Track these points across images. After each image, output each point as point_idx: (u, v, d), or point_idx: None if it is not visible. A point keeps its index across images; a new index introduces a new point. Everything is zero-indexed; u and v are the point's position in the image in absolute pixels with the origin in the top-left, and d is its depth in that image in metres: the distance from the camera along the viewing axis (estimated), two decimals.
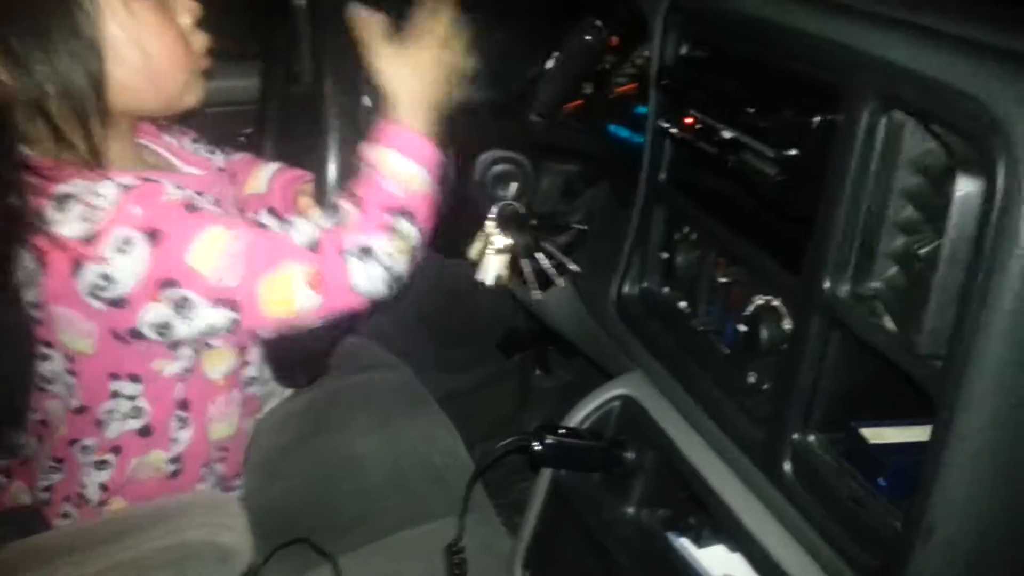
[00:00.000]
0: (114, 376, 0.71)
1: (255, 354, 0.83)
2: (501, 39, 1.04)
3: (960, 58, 0.44)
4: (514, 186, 0.92)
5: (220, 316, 0.64)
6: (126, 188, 0.64)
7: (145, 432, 0.74)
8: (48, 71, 0.62)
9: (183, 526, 0.65)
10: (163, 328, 0.65)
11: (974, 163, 0.43)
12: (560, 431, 0.71)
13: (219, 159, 0.88)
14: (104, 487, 0.75)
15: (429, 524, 0.83)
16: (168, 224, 0.63)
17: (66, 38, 0.62)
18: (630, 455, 0.72)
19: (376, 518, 0.86)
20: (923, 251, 0.47)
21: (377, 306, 0.95)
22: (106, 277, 0.62)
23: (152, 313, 0.64)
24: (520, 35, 1.03)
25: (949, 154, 0.45)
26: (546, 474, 0.78)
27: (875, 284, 0.50)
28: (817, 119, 0.52)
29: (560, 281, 0.88)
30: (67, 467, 0.76)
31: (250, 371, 0.84)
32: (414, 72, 0.70)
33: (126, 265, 0.62)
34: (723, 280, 0.66)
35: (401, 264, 0.66)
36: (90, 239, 0.62)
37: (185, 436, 0.76)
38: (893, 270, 0.50)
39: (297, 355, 0.84)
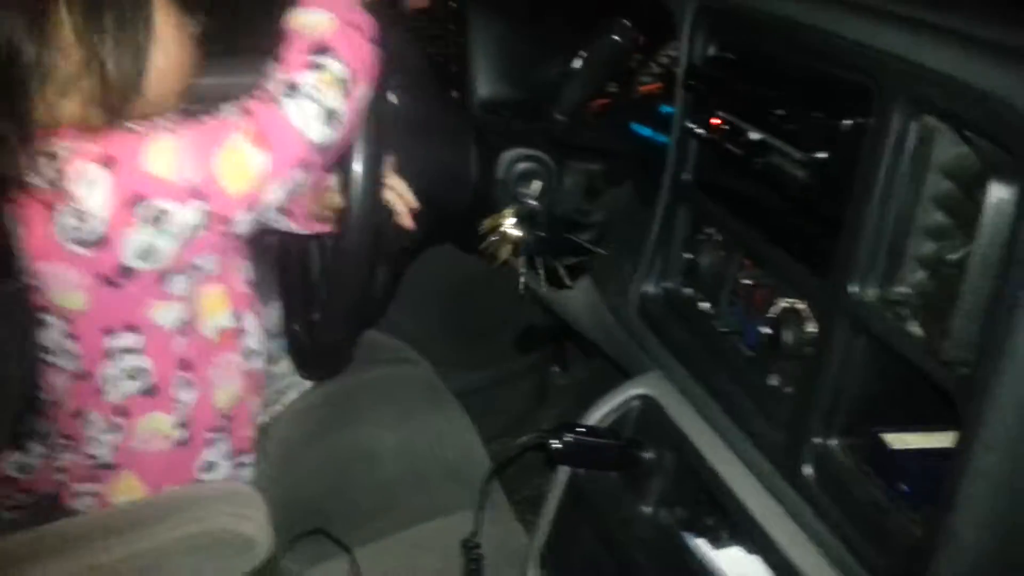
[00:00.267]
0: (111, 332, 0.71)
1: (253, 322, 0.84)
2: (527, 38, 1.05)
3: (992, 62, 0.44)
4: (537, 184, 0.92)
5: (192, 212, 0.65)
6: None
7: (149, 392, 0.75)
8: (103, 48, 0.65)
9: (204, 515, 0.66)
10: (147, 252, 0.66)
11: (1006, 169, 0.42)
12: (579, 429, 0.71)
13: None
14: (115, 456, 0.76)
15: (445, 518, 0.84)
16: (117, 148, 0.65)
17: (124, 21, 0.65)
18: (648, 455, 0.72)
19: (393, 511, 0.87)
20: (953, 257, 0.47)
21: (395, 300, 0.96)
22: (79, 215, 0.64)
23: (133, 240, 0.65)
24: (546, 34, 1.04)
25: (981, 159, 0.45)
26: (563, 472, 0.78)
27: (902, 289, 0.50)
28: (847, 122, 0.52)
29: (569, 282, 0.89)
30: (76, 443, 0.76)
31: (249, 341, 0.83)
32: None
33: (93, 196, 0.63)
34: (746, 282, 0.66)
35: (331, 97, 0.66)
36: (55, 182, 0.64)
37: (188, 398, 0.77)
38: (921, 275, 0.49)
39: (319, 348, 0.85)
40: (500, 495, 0.90)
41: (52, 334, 0.72)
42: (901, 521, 0.49)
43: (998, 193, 0.43)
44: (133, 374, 0.73)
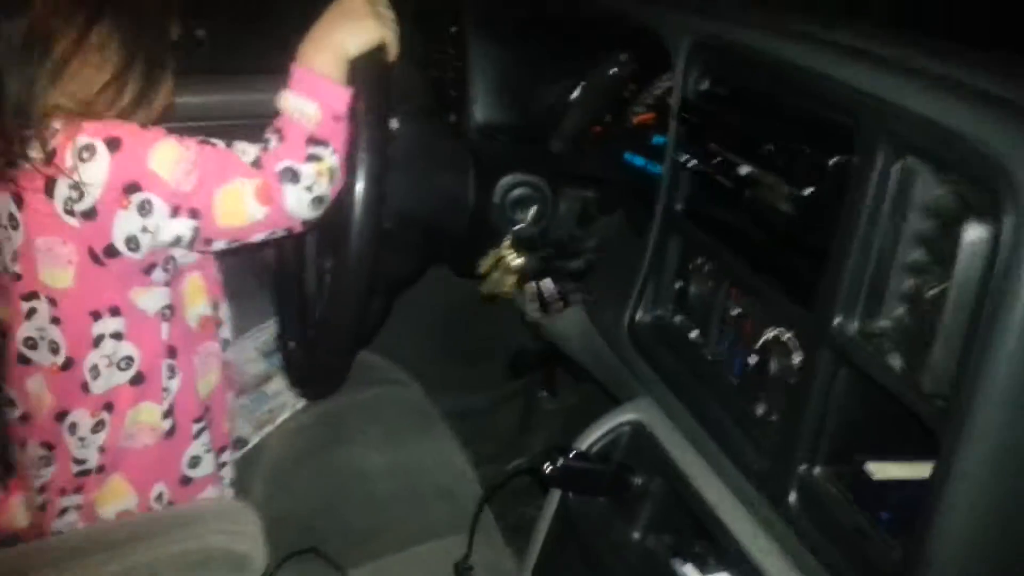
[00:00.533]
0: (97, 315, 0.73)
1: (226, 312, 0.88)
2: (525, 65, 1.07)
3: (972, 108, 0.46)
4: (533, 210, 0.94)
5: (182, 226, 0.70)
6: None
7: (136, 380, 0.76)
8: (132, 64, 0.73)
9: (200, 532, 0.66)
10: (131, 241, 0.70)
11: (983, 210, 0.44)
12: (570, 454, 0.72)
13: None
14: (101, 458, 0.76)
15: (437, 541, 0.85)
16: (125, 133, 0.69)
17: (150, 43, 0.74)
18: (638, 480, 0.73)
19: (385, 532, 0.87)
20: (931, 293, 0.48)
21: (391, 321, 0.98)
22: (76, 187, 0.67)
23: (123, 224, 0.69)
24: (544, 61, 1.06)
25: (959, 200, 0.47)
26: (554, 496, 0.79)
27: (884, 323, 0.52)
28: (833, 160, 0.54)
29: (561, 307, 0.90)
30: (58, 451, 0.76)
31: (224, 331, 0.88)
32: (325, 19, 0.75)
33: (91, 171, 0.67)
34: (735, 311, 0.67)
35: (323, 186, 0.72)
36: (51, 155, 0.68)
37: (175, 386, 0.78)
38: (901, 310, 0.51)
39: (315, 368, 0.86)
40: (490, 519, 0.91)
41: (37, 321, 0.74)
42: (881, 547, 0.50)
43: (974, 232, 0.44)
44: (119, 362, 0.75)
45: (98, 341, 0.74)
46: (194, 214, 0.69)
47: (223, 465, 0.87)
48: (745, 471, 0.62)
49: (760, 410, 0.62)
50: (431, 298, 1.29)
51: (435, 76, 1.15)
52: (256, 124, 0.77)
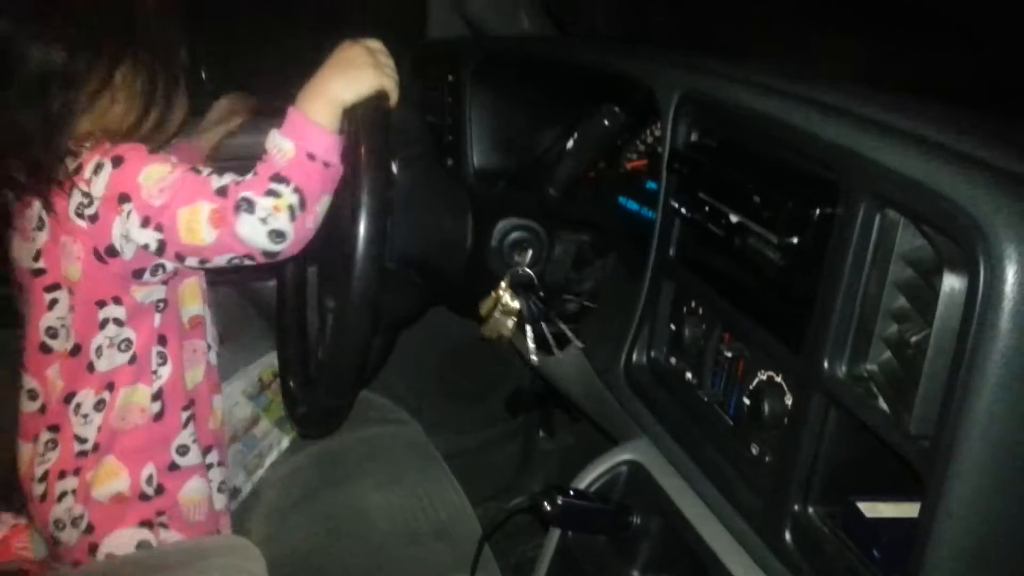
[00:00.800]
0: (101, 303, 0.83)
1: (210, 315, 0.95)
2: (521, 113, 1.11)
3: (946, 166, 0.49)
4: (530, 253, 0.96)
5: (149, 236, 0.78)
6: None
7: (133, 361, 0.85)
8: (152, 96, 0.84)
9: (206, 568, 0.67)
10: (123, 244, 0.79)
11: (958, 261, 0.47)
12: (570, 492, 0.74)
13: None
14: (98, 436, 0.84)
15: None
16: (129, 153, 0.80)
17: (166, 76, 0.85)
18: (636, 520, 0.75)
19: (384, 572, 0.88)
20: (914, 338, 0.51)
21: (390, 361, 1.00)
22: (86, 195, 0.79)
23: (116, 228, 0.79)
24: (539, 112, 1.10)
25: (936, 251, 0.49)
26: (554, 535, 0.80)
27: (870, 366, 0.54)
28: (817, 211, 0.56)
29: (558, 352, 0.93)
30: (63, 433, 0.85)
31: (209, 332, 0.95)
32: (325, 67, 0.79)
33: (97, 183, 0.79)
34: (728, 354, 0.69)
35: (280, 220, 0.77)
36: (77, 170, 0.80)
37: (165, 373, 0.87)
38: (886, 354, 0.53)
39: (317, 409, 0.88)
40: (490, 559, 0.91)
41: (58, 311, 0.85)
42: None
43: (951, 283, 0.47)
44: (120, 344, 0.85)
45: (103, 324, 0.84)
46: (159, 227, 0.77)
47: (211, 466, 0.92)
48: (741, 511, 0.63)
49: (755, 450, 0.64)
50: (430, 338, 1.31)
51: (433, 122, 1.19)
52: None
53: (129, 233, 0.78)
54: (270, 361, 1.11)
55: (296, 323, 1.03)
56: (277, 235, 0.77)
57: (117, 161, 0.79)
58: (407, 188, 0.95)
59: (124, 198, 0.78)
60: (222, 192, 0.77)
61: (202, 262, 0.80)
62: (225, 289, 1.21)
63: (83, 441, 0.84)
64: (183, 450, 0.88)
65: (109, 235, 0.79)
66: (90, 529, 0.83)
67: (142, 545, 0.82)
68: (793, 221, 0.58)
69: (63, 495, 0.84)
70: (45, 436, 0.86)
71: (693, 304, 0.75)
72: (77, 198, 0.79)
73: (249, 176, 0.78)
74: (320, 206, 0.79)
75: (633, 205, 0.95)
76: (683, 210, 0.71)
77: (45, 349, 0.86)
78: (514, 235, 0.97)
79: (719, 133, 0.72)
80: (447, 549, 0.91)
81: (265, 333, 1.17)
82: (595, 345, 0.89)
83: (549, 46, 1.15)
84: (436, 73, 1.18)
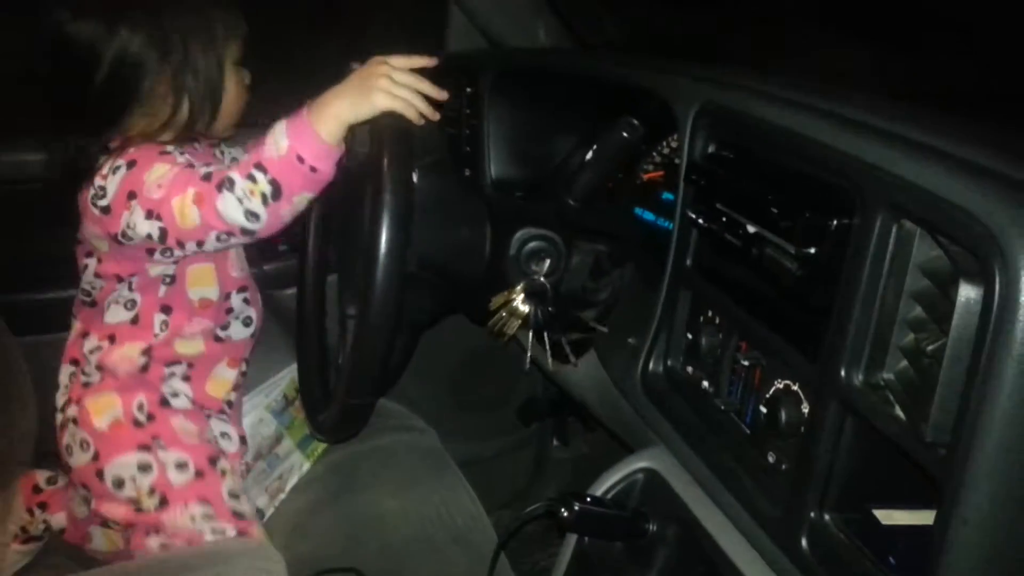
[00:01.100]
0: (118, 276, 0.95)
1: (242, 306, 1.03)
2: (539, 125, 1.12)
3: (961, 177, 0.49)
4: (547, 263, 0.97)
5: (151, 226, 0.86)
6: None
7: (135, 321, 0.96)
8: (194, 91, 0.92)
9: (227, 571, 0.68)
10: (128, 231, 0.88)
11: (974, 272, 0.47)
12: (587, 499, 0.74)
13: None
14: (99, 372, 0.96)
15: None
16: (143, 157, 0.89)
17: (208, 71, 0.92)
18: (652, 527, 0.75)
19: None
20: (930, 348, 0.51)
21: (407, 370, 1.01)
22: (101, 189, 0.89)
23: (124, 219, 0.87)
24: (557, 123, 1.11)
25: (952, 262, 0.50)
26: (570, 541, 0.81)
27: (886, 375, 0.54)
28: (834, 222, 0.57)
29: (574, 360, 0.93)
30: (77, 366, 0.98)
31: (232, 318, 1.02)
32: (342, 83, 0.83)
33: (112, 181, 0.88)
34: (745, 363, 0.70)
35: (254, 203, 0.84)
36: (100, 168, 0.90)
37: (162, 336, 0.97)
38: (903, 363, 0.54)
39: (338, 414, 0.89)
40: (505, 565, 0.92)
41: (88, 275, 0.98)
42: None
43: (967, 293, 0.48)
44: (125, 303, 0.96)
45: (118, 286, 0.95)
46: (159, 217, 0.86)
47: (208, 416, 1.01)
48: (758, 518, 0.64)
49: (771, 458, 0.65)
50: (447, 347, 1.32)
51: (451, 133, 1.20)
52: None
53: (136, 225, 0.87)
54: (293, 375, 1.13)
55: (316, 331, 1.05)
56: (252, 215, 0.84)
57: (131, 164, 0.88)
58: (424, 197, 0.96)
59: (132, 195, 0.87)
60: (207, 177, 0.85)
61: (199, 244, 0.87)
62: None
63: (88, 375, 0.97)
64: (173, 393, 0.98)
65: (119, 225, 0.88)
66: (96, 456, 0.93)
67: (143, 467, 0.91)
68: (810, 231, 0.58)
69: (73, 421, 0.95)
70: (68, 368, 0.99)
71: (710, 313, 0.76)
72: (93, 190, 0.89)
73: (242, 157, 0.86)
74: (299, 199, 0.85)
75: (649, 216, 0.96)
76: (700, 220, 0.72)
77: (82, 302, 1.00)
78: (532, 244, 0.98)
79: (736, 144, 0.73)
80: (463, 555, 0.91)
81: (286, 343, 1.18)
82: (612, 353, 0.89)
83: (566, 58, 1.16)
84: (454, 85, 1.20)
